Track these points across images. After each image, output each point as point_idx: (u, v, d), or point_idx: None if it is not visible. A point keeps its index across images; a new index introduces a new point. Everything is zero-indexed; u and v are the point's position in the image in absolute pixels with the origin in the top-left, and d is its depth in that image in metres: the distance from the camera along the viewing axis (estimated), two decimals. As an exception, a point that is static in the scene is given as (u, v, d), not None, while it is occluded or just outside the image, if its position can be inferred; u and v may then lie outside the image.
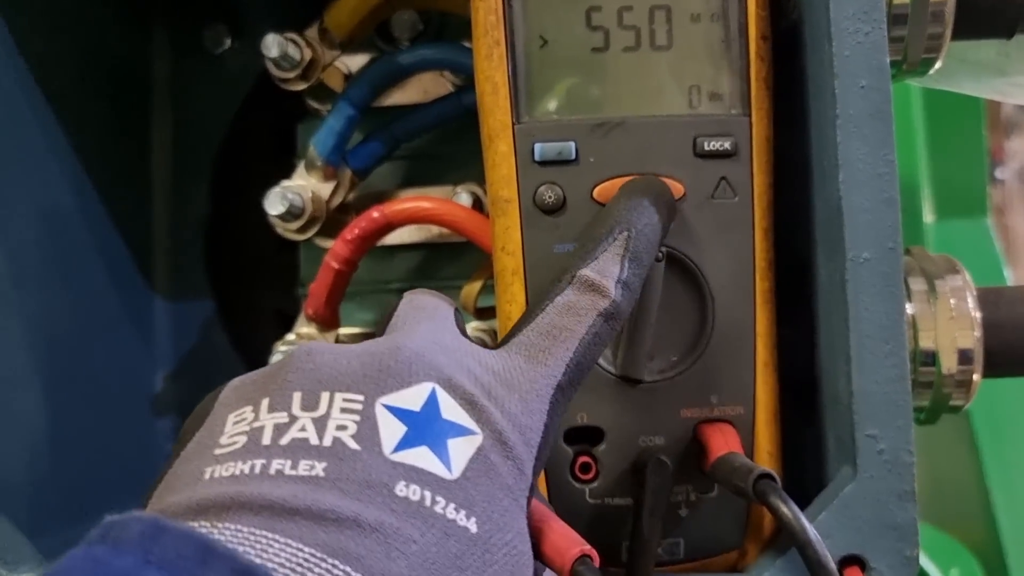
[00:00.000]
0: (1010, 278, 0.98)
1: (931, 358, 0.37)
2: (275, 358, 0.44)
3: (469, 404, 0.26)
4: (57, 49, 0.47)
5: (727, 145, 0.37)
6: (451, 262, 0.51)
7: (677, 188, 0.36)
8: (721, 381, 0.36)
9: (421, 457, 0.24)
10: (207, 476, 0.23)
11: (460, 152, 0.50)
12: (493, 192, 0.37)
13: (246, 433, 0.24)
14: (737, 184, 0.37)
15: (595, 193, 0.36)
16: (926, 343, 0.37)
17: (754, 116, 0.37)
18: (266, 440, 0.24)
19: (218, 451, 0.24)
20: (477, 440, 0.25)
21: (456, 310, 0.32)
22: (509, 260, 0.37)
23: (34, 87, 0.46)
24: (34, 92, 0.46)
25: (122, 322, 0.52)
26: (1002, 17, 0.41)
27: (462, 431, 0.25)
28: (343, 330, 0.49)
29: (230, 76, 0.54)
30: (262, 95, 0.49)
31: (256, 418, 0.25)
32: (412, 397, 0.25)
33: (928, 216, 0.90)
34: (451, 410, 0.26)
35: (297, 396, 0.25)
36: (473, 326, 0.48)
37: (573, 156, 0.36)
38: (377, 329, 0.32)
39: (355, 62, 0.52)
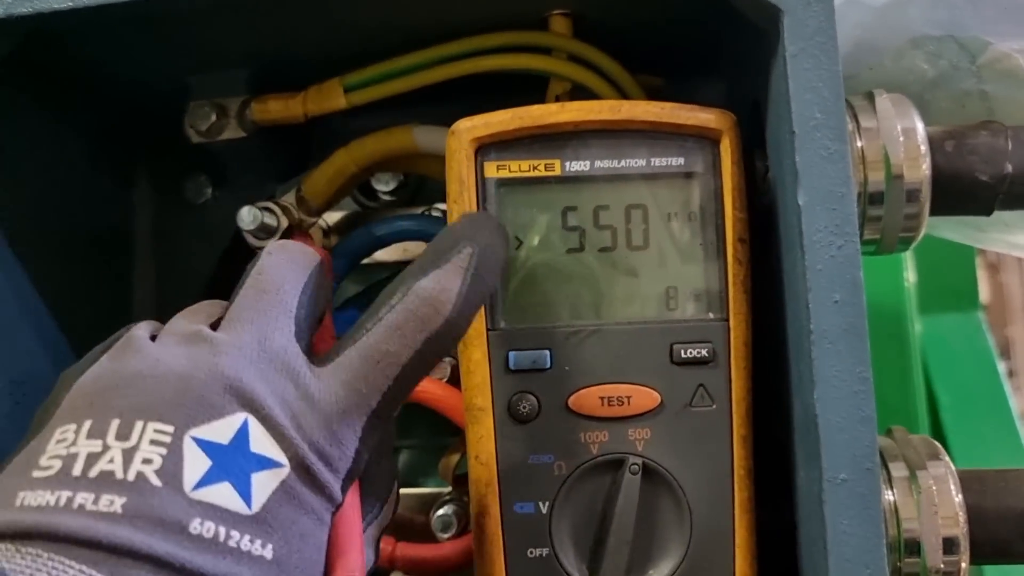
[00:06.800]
0: (1003, 370, 0.98)
1: (915, 548, 0.37)
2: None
3: (278, 435, 0.28)
4: (37, 206, 0.47)
5: (704, 352, 0.36)
6: (427, 421, 0.50)
7: (653, 397, 0.36)
8: (700, 595, 0.36)
9: (221, 494, 0.26)
10: (19, 502, 0.25)
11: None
12: (467, 398, 0.37)
13: (62, 458, 0.26)
14: (715, 391, 0.36)
15: (570, 402, 0.36)
16: (909, 533, 0.37)
17: (732, 321, 0.37)
18: (76, 471, 0.26)
19: (35, 473, 0.26)
20: (282, 473, 0.27)
21: (317, 266, 0.32)
22: (483, 471, 0.36)
23: (9, 251, 0.45)
24: (10, 257, 0.45)
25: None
26: (978, 197, 0.41)
27: (268, 464, 0.27)
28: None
29: (212, 226, 0.54)
30: (244, 245, 0.48)
31: (75, 442, 0.27)
32: (223, 429, 0.27)
33: (916, 312, 0.89)
34: (260, 442, 0.27)
35: (115, 424, 0.27)
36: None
37: (548, 364, 0.36)
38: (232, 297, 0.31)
39: (333, 216, 0.52)
